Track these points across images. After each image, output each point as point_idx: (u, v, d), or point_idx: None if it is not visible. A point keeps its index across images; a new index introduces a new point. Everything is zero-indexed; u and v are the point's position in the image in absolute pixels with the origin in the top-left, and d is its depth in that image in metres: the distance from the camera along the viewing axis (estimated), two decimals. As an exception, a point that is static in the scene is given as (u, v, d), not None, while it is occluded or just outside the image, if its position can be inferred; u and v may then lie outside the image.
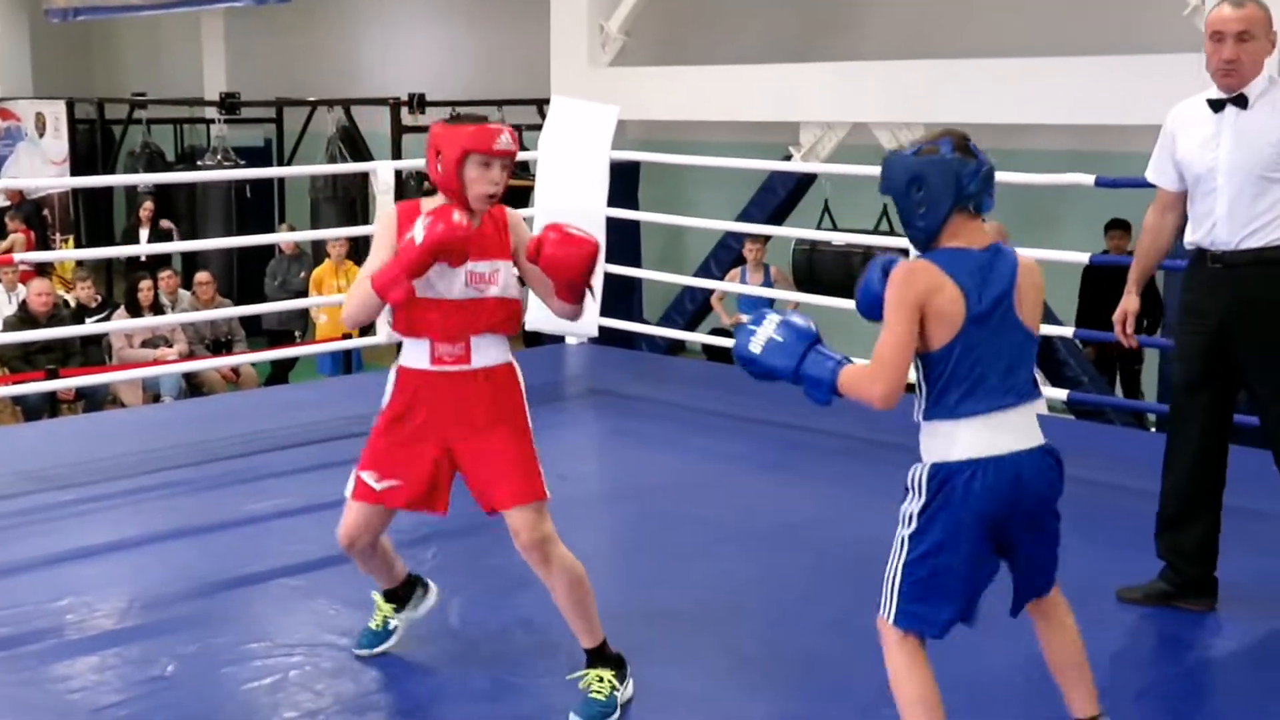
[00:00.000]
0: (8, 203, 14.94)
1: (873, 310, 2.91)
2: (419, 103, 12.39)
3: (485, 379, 3.35)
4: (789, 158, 9.48)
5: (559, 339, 8.09)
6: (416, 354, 3.35)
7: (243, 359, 9.91)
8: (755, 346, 2.91)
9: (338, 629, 3.89)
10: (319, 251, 11.93)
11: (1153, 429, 7.65)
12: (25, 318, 9.88)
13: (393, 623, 3.72)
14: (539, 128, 7.88)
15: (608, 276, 7.50)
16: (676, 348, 9.73)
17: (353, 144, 13.05)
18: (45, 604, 4.07)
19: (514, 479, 3.33)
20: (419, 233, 3.18)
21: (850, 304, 7.33)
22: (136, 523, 4.93)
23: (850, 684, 3.59)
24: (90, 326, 9.66)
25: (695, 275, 9.83)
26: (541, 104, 11.79)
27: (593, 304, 7.80)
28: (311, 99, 13.76)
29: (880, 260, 3.00)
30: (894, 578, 2.85)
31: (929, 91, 8.69)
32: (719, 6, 12.33)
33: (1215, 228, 3.89)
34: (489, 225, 3.35)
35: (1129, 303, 4.18)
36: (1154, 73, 7.66)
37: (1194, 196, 3.98)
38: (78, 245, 14.87)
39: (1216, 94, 3.92)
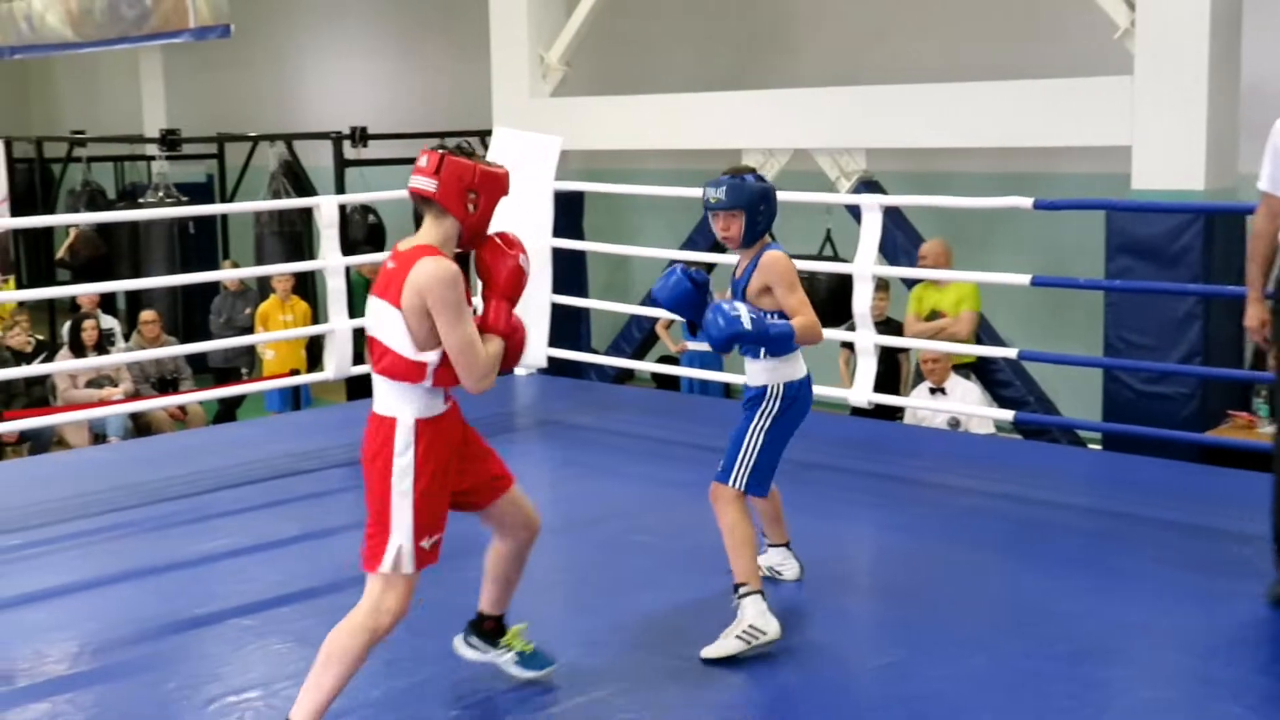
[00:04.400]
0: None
1: (681, 306, 4.18)
2: (361, 136, 12.38)
3: (457, 403, 3.49)
4: (732, 185, 9.54)
5: (508, 370, 8.10)
6: (433, 403, 3.35)
7: (189, 398, 9.84)
8: (746, 322, 3.87)
9: (291, 668, 3.88)
10: (264, 287, 11.87)
11: (1094, 446, 7.74)
12: (-34, 361, 9.79)
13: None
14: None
15: (555, 307, 7.54)
16: (625, 376, 9.75)
17: (295, 178, 13.02)
18: (-6, 651, 4.05)
19: (501, 463, 3.60)
20: (525, 264, 3.41)
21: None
22: (85, 566, 4.90)
23: (799, 706, 3.62)
24: (34, 368, 9.57)
25: (641, 304, 9.86)
26: (484, 135, 11.81)
27: (540, 334, 7.90)
28: (253, 134, 13.71)
29: (678, 268, 4.22)
30: (749, 459, 4.02)
31: (867, 117, 8.79)
32: (657, 36, 12.42)
33: None
34: None
35: (1261, 310, 4.48)
36: (1084, 95, 7.79)
37: None
38: (19, 286, 14.73)
39: None
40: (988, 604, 4.45)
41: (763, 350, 4.04)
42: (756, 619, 3.87)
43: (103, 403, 9.78)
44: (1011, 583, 4.67)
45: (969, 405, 7.55)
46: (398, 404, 3.31)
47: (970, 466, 6.19)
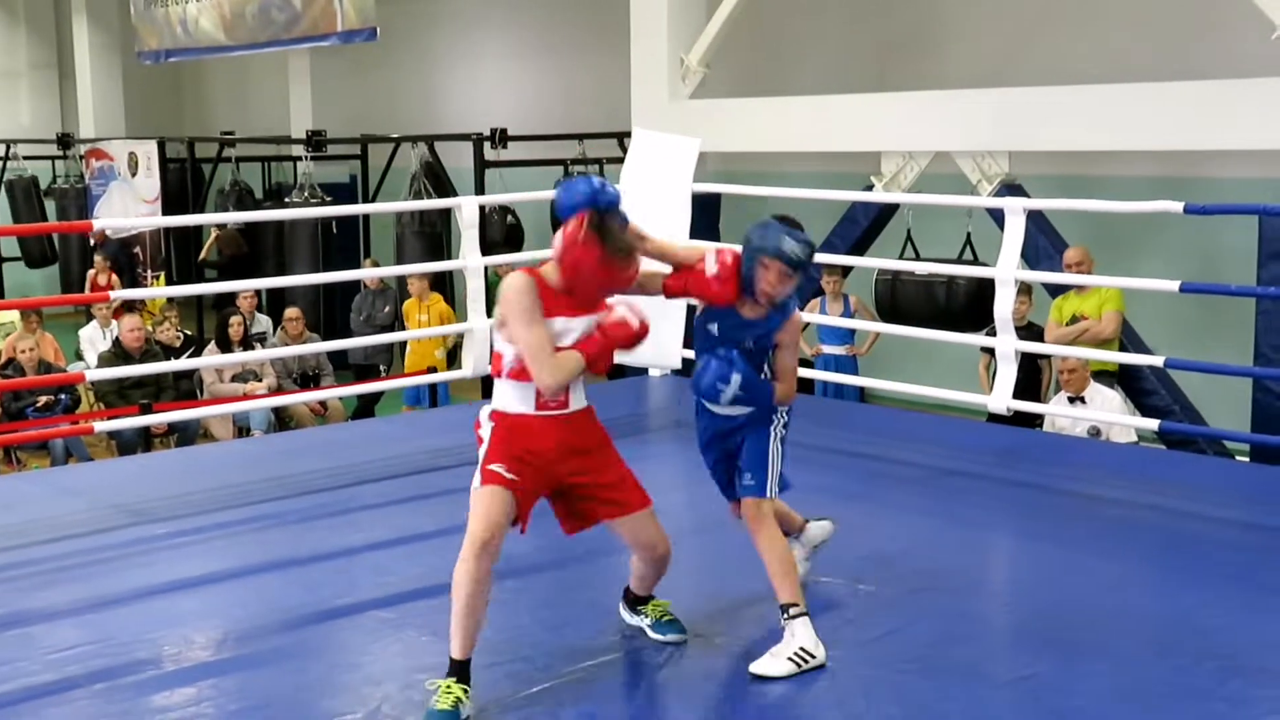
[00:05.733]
0: (119, 238, 15.35)
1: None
2: (501, 137, 12.51)
3: (583, 418, 3.84)
4: (871, 187, 9.47)
5: (642, 371, 8.13)
6: (520, 399, 3.75)
7: (331, 393, 10.04)
8: (729, 396, 3.97)
9: (428, 660, 3.93)
10: (404, 286, 12.05)
11: (1241, 458, 7.51)
12: (119, 353, 10.10)
13: (465, 710, 3.56)
14: (620, 161, 7.94)
15: (689, 308, 7.53)
16: (759, 378, 9.71)
17: (436, 179, 13.19)
18: (142, 636, 4.16)
19: (629, 490, 3.87)
20: (633, 319, 3.75)
21: (932, 333, 7.31)
22: (229, 555, 5.02)
23: (946, 714, 3.57)
24: (182, 362, 9.85)
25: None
26: (622, 137, 11.86)
27: (675, 335, 7.88)
28: (395, 135, 13.94)
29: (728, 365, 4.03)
30: (776, 467, 4.04)
31: (1012, 119, 8.65)
32: (797, 37, 12.36)
33: None
34: None
35: None
36: (1240, 97, 7.57)
37: None
38: (169, 282, 15.17)
39: None
40: (1132, 618, 4.34)
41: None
42: (808, 642, 3.85)
43: (247, 397, 10.02)
44: (1156, 596, 4.56)
45: (1110, 414, 7.37)
46: (493, 399, 3.83)
47: (1113, 476, 6.05)
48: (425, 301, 11.25)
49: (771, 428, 4.07)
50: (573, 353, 3.70)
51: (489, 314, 7.29)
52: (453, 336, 10.62)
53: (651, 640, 4.04)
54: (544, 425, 3.76)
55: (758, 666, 3.84)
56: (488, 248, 9.11)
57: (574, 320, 3.73)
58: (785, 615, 3.89)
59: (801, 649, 3.83)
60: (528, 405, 3.75)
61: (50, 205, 17.88)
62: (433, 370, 10.39)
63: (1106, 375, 7.92)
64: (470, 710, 3.54)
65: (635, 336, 3.78)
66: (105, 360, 10.16)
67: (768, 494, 4.03)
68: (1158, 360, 6.75)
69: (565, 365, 3.68)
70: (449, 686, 3.56)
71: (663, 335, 7.44)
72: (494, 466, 3.69)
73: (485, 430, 3.78)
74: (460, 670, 3.59)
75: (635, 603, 4.16)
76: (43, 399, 10.17)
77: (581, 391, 3.83)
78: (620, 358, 8.19)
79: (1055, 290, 8.40)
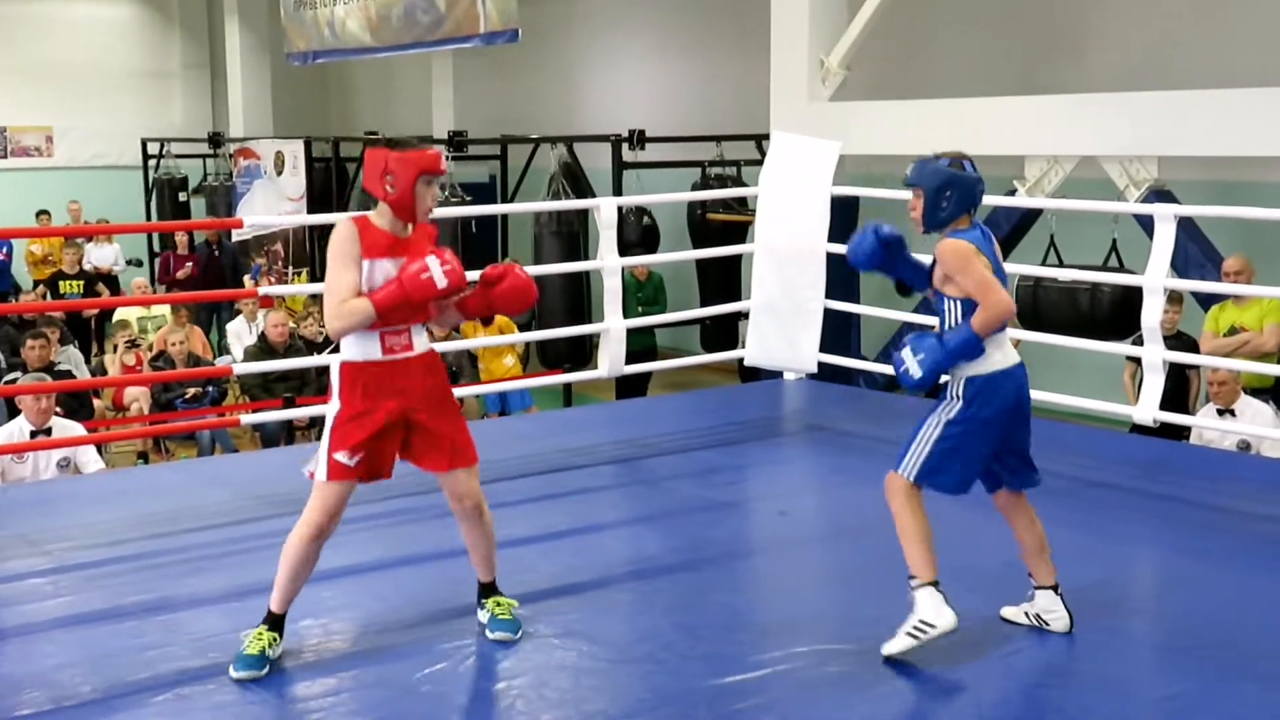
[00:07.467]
0: (242, 238, 15.75)
1: (870, 264, 4.07)
2: (639, 139, 12.55)
3: (422, 362, 3.91)
4: (1013, 192, 9.31)
5: (777, 374, 8.10)
6: (364, 348, 3.82)
7: (468, 391, 10.15)
8: (915, 370, 3.85)
9: (560, 657, 3.96)
10: (541, 285, 12.11)
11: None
12: (264, 348, 10.35)
13: (272, 652, 3.93)
14: (758, 163, 7.91)
15: (827, 312, 7.48)
16: (895, 384, 9.61)
17: (574, 180, 13.27)
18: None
19: (464, 443, 3.97)
20: (438, 275, 3.69)
21: (1075, 340, 7.18)
22: (370, 548, 5.10)
23: (1079, 734, 3.50)
24: (325, 357, 10.03)
25: (914, 311, 9.71)
26: (760, 139, 11.82)
27: (812, 339, 7.83)
28: (535, 136, 14.07)
29: (870, 226, 4.06)
30: (922, 450, 3.92)
31: (1161, 123, 8.42)
32: (939, 39, 12.20)
33: None
34: (420, 233, 3.87)
35: None
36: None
37: None
38: (312, 279, 15.49)
39: None
40: (1282, 638, 4.21)
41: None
42: (927, 613, 3.83)
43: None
44: (1309, 617, 4.41)
45: (1261, 427, 7.15)
46: (341, 349, 3.88)
47: (1262, 491, 5.87)
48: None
49: (938, 409, 3.95)
50: (363, 301, 3.73)
51: (626, 314, 7.33)
52: (521, 345, 10.68)
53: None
54: (387, 369, 3.83)
55: (887, 646, 3.87)
56: (623, 249, 9.14)
57: (388, 262, 3.77)
58: (909, 585, 3.90)
59: (921, 621, 3.83)
60: (372, 351, 3.82)
61: (200, 203, 18.40)
62: (566, 370, 10.45)
63: (1260, 390, 7.68)
64: (276, 653, 3.90)
65: (441, 292, 3.74)
66: (251, 354, 10.42)
67: (900, 469, 3.96)
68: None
69: (352, 314, 3.73)
70: (260, 634, 3.90)
71: (799, 339, 7.41)
72: (344, 458, 3.85)
73: (334, 389, 3.88)
74: (275, 621, 3.95)
75: (481, 594, 4.22)
76: (191, 391, 10.47)
77: (422, 335, 3.90)
78: (753, 360, 8.16)
79: (1208, 300, 8.17)
